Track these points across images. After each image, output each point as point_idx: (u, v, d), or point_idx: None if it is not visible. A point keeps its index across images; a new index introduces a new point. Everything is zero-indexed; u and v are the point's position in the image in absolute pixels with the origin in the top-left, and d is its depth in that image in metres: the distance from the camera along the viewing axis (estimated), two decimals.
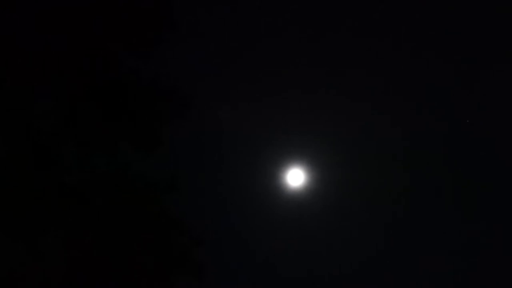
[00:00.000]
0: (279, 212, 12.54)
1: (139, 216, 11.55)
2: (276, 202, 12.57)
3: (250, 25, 12.26)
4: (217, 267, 12.01)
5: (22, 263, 10.70)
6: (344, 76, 12.57)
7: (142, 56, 11.56)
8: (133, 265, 11.45)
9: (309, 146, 12.60)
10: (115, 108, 11.42)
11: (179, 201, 11.78)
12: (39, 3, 10.95)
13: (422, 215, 12.74)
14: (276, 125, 12.42)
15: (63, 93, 11.12)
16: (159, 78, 11.63)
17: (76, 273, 11.02)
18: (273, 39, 12.42)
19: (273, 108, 12.34)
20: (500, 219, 12.63)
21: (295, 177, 12.60)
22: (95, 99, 11.25)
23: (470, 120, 12.70)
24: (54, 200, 10.89)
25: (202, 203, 12.24)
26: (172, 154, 11.89)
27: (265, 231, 12.43)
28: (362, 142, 12.52)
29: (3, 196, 10.63)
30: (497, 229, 12.60)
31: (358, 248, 12.58)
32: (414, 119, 12.56)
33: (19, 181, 10.73)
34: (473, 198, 12.67)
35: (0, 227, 10.60)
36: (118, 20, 11.36)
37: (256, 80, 12.40)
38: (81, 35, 11.12)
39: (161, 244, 11.77)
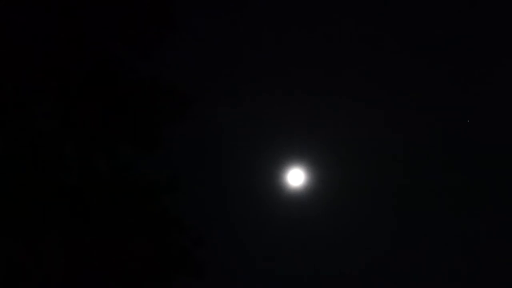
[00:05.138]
0: (279, 212, 12.54)
1: (139, 216, 11.55)
2: (276, 202, 12.57)
3: (250, 25, 12.27)
4: (217, 267, 12.01)
5: (22, 263, 10.70)
6: (344, 76, 12.57)
7: (142, 56, 11.57)
8: (133, 265, 11.44)
9: (309, 146, 12.60)
10: (115, 108, 11.42)
11: (179, 201, 11.78)
12: (39, 3, 10.95)
13: (422, 214, 12.75)
14: (276, 125, 12.43)
15: (63, 93, 11.12)
16: (159, 78, 11.63)
17: (76, 273, 11.02)
18: (273, 39, 12.44)
19: (273, 108, 12.34)
20: (501, 219, 12.63)
21: (295, 177, 12.60)
22: (95, 99, 11.26)
23: (470, 120, 12.72)
24: (54, 200, 10.89)
25: (202, 203, 12.23)
26: (172, 154, 11.89)
27: (265, 231, 12.44)
28: (362, 142, 12.52)
29: (3, 196, 10.63)
30: (497, 229, 12.60)
31: (358, 248, 12.59)
32: (414, 119, 12.57)
33: (19, 181, 10.72)
34: (473, 198, 12.66)
35: (0, 227, 10.60)
36: (118, 20, 11.37)
37: (256, 80, 12.41)
38: (81, 35, 11.13)
39: (161, 244, 11.76)
